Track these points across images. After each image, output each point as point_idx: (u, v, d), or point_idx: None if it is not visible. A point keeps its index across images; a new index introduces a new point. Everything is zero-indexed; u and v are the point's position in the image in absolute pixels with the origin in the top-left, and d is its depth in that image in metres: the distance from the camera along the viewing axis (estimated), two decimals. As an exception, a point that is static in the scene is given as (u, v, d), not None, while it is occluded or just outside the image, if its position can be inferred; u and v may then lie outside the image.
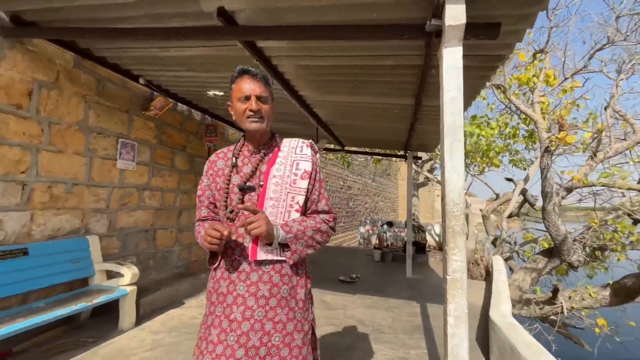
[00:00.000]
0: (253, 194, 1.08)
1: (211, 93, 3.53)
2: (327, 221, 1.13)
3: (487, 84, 4.21)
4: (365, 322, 3.16)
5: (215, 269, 1.10)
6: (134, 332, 2.70)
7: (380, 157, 10.43)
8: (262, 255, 1.02)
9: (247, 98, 1.07)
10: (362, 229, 9.65)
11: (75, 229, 2.89)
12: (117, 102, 3.31)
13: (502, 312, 2.74)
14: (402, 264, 5.71)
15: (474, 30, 1.45)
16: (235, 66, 1.14)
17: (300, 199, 1.10)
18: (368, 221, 9.76)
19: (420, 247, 7.25)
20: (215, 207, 1.18)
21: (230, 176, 1.11)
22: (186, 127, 4.40)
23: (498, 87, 6.10)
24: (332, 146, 6.34)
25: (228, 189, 1.10)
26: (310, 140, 1.18)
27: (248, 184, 1.08)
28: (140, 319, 2.91)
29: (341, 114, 4.00)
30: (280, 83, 2.84)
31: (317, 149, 1.17)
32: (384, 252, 6.86)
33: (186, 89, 3.56)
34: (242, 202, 1.09)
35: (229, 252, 1.07)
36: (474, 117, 6.64)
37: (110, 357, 2.29)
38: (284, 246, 1.04)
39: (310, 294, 1.16)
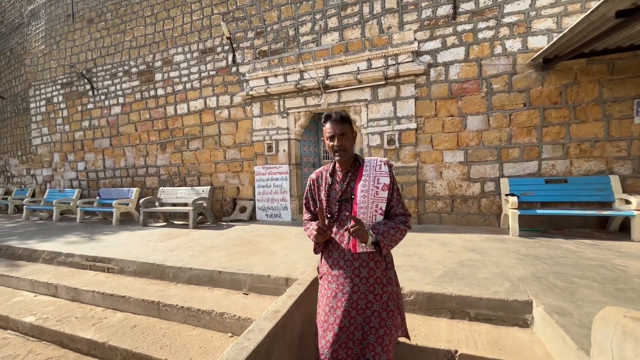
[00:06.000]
0: (347, 204, 1.46)
1: None
2: (403, 222, 1.44)
3: None
4: None
5: (326, 259, 1.52)
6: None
7: None
8: (360, 249, 1.41)
9: (332, 137, 1.44)
10: None
11: (601, 170, 4.32)
12: (629, 71, 4.15)
13: None
14: None
15: None
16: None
17: (383, 206, 1.43)
18: None
19: None
20: (315, 211, 1.58)
21: (329, 191, 1.51)
22: None
23: None
24: None
25: (329, 200, 1.50)
26: (387, 158, 1.56)
27: (343, 197, 1.47)
28: (653, 240, 3.66)
29: None
30: None
31: (392, 164, 1.50)
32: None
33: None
34: (340, 210, 1.47)
35: (336, 247, 1.47)
36: None
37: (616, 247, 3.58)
38: (374, 243, 1.37)
39: (396, 275, 1.54)
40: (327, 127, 1.46)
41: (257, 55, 6.40)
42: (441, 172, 5.11)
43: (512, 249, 3.53)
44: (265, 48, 6.33)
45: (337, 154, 1.45)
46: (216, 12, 6.75)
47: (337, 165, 1.55)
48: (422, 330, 2.20)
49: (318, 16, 5.84)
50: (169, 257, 3.76)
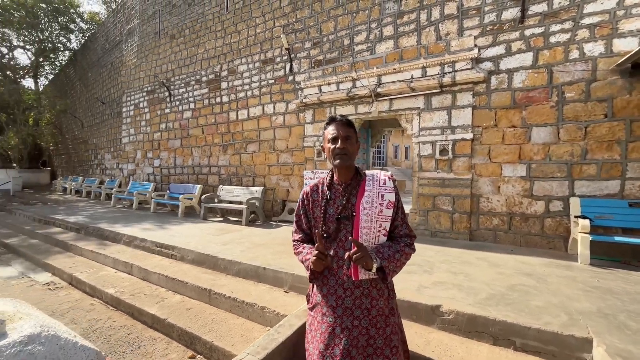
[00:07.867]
0: (347, 222, 1.26)
1: None
2: (409, 244, 1.28)
3: None
4: None
5: (320, 286, 1.30)
6: None
7: None
8: (362, 276, 1.23)
9: (335, 139, 1.25)
10: None
11: None
12: None
13: None
14: None
15: None
16: None
17: (387, 225, 1.25)
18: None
19: None
20: (310, 230, 1.38)
21: (326, 207, 1.30)
22: None
23: None
24: None
25: (325, 218, 1.29)
26: (390, 172, 1.34)
27: (343, 214, 1.27)
28: None
29: None
30: None
31: (395, 178, 1.32)
32: None
33: None
34: (338, 229, 1.27)
35: (333, 272, 1.27)
36: None
37: None
38: (379, 269, 1.19)
39: (396, 303, 1.35)
40: (330, 129, 1.29)
41: (313, 65, 6.68)
42: (499, 187, 4.74)
43: (578, 279, 3.14)
44: (320, 57, 6.57)
45: (337, 157, 1.25)
46: (277, 24, 7.22)
47: (335, 177, 1.35)
48: (459, 352, 2.11)
49: (373, 25, 5.89)
50: (222, 250, 4.13)
